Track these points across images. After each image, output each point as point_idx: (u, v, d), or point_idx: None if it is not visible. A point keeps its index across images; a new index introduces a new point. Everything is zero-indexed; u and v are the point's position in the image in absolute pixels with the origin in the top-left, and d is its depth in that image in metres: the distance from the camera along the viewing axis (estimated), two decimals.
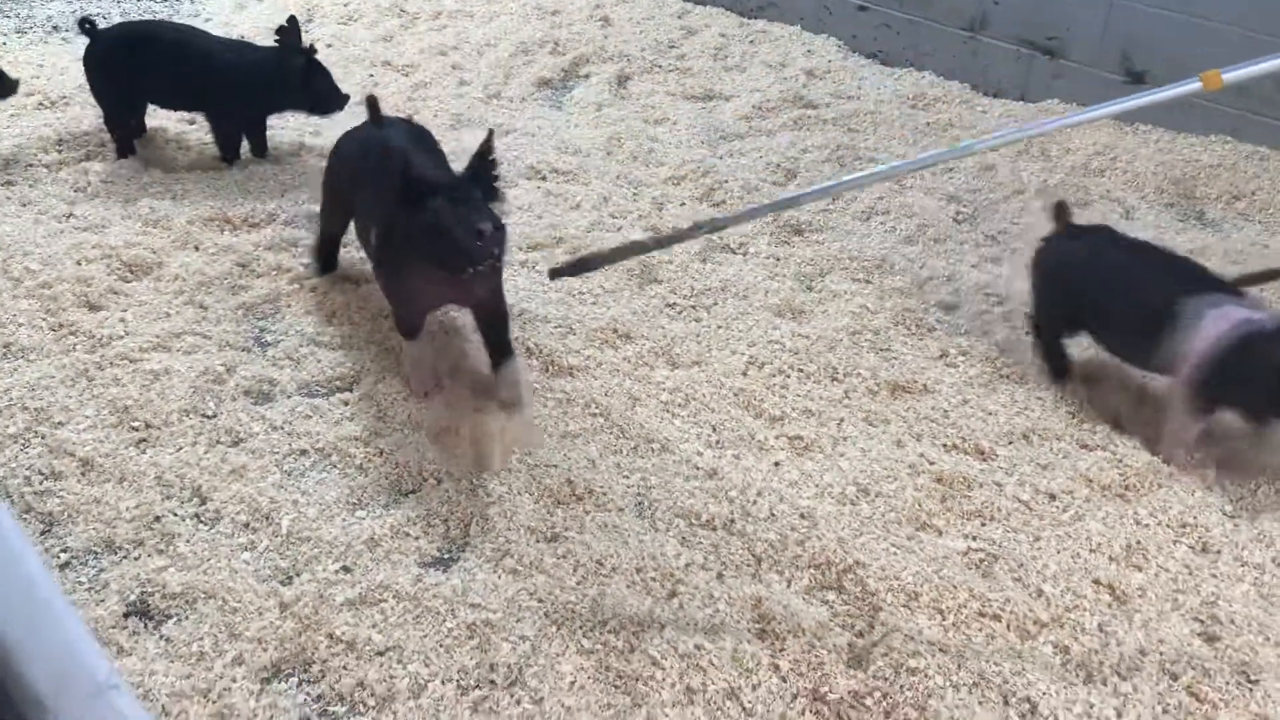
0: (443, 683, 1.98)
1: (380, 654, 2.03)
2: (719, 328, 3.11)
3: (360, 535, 2.30)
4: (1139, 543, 2.38)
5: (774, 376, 2.91)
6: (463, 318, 2.99)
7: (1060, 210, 2.94)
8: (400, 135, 2.93)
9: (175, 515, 2.34)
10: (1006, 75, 4.71)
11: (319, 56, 3.73)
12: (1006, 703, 1.99)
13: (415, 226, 2.43)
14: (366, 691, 1.96)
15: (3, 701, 0.82)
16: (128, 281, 3.14)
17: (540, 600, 2.16)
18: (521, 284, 3.22)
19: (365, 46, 5.00)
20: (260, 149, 3.92)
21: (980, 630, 2.14)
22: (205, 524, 2.33)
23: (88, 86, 3.84)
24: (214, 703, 1.92)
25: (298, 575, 2.21)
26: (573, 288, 3.22)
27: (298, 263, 3.27)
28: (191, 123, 4.09)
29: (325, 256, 3.22)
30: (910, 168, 2.88)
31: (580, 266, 2.60)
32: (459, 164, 3.02)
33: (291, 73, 3.67)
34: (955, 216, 3.77)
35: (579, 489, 2.45)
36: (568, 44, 5.06)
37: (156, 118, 4.03)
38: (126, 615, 2.10)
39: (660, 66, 4.91)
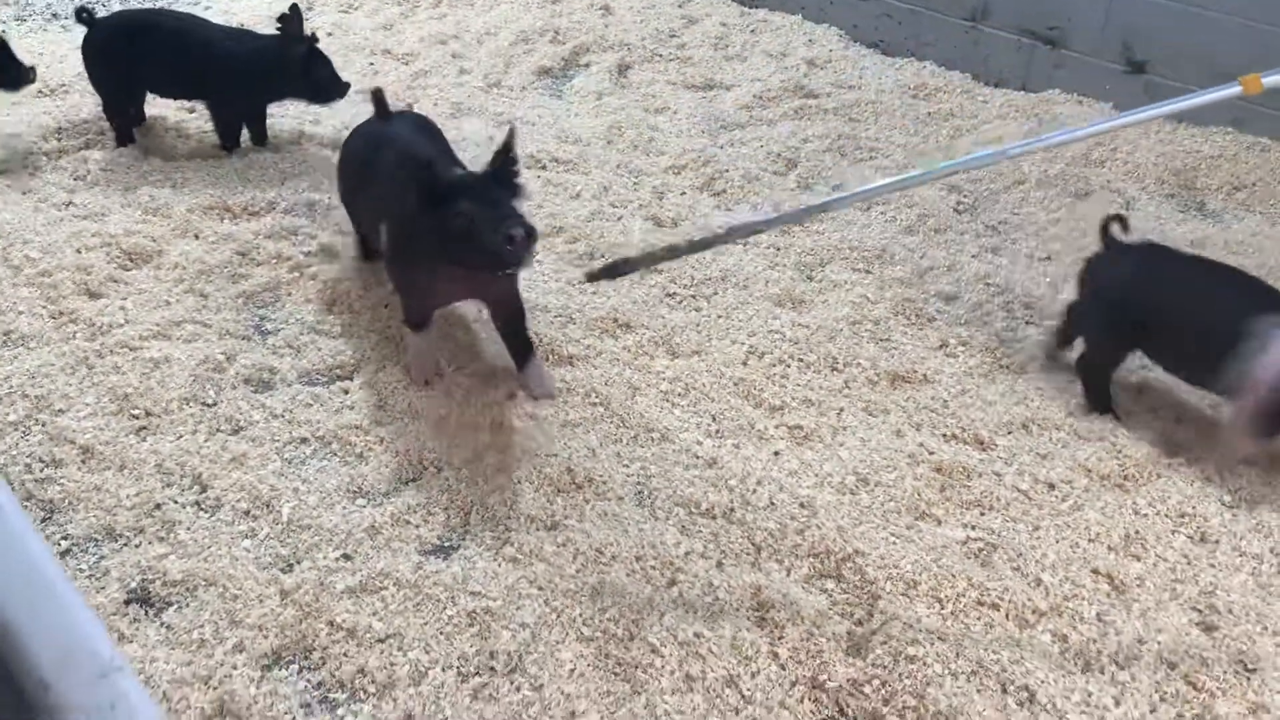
0: (443, 670, 1.98)
1: (381, 641, 2.04)
2: (719, 317, 3.11)
3: (361, 523, 2.31)
4: (1137, 532, 2.38)
5: (774, 366, 2.91)
6: (463, 308, 2.99)
7: (1117, 222, 2.79)
8: (409, 129, 2.92)
9: (176, 503, 2.34)
10: (1008, 65, 4.70)
11: (319, 45, 3.72)
12: (1004, 691, 2.00)
13: (443, 226, 2.38)
14: (367, 678, 1.97)
15: (6, 682, 0.83)
16: (127, 269, 3.14)
17: (540, 588, 2.17)
18: (521, 273, 3.22)
19: (365, 35, 4.99)
20: (260, 137, 3.92)
21: (979, 619, 2.15)
22: (206, 511, 2.33)
23: (86, 75, 3.84)
24: (215, 690, 1.92)
25: (298, 563, 2.21)
26: (572, 277, 3.22)
27: (298, 251, 3.27)
28: (191, 111, 4.08)
29: (370, 253, 3.17)
30: (962, 165, 2.77)
31: (615, 270, 2.59)
32: (461, 154, 3.03)
33: (292, 61, 3.65)
34: (956, 207, 3.77)
35: (579, 478, 2.46)
36: (568, 33, 5.04)
37: (156, 106, 4.02)
38: (127, 602, 2.10)
39: (661, 55, 4.90)
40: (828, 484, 2.50)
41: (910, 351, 3.00)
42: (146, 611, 2.09)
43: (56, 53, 4.52)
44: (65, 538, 2.24)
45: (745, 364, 2.91)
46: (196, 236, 3.32)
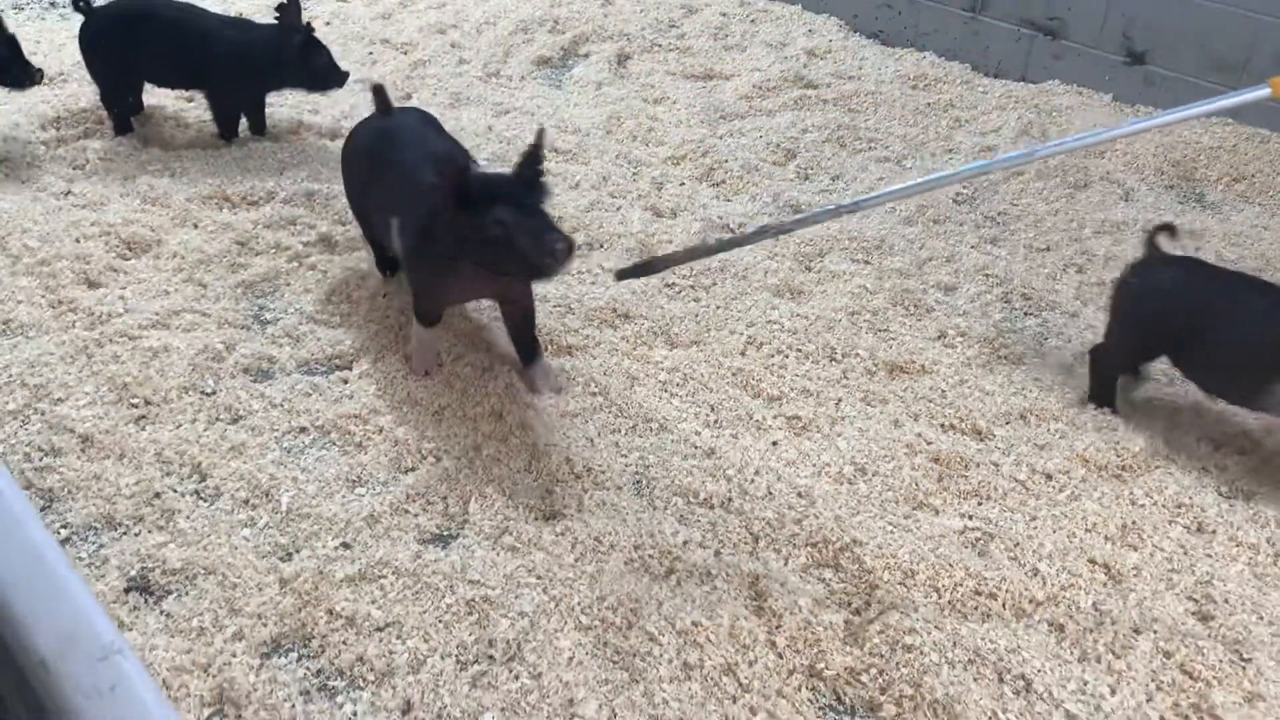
0: (442, 658, 1.99)
1: (380, 629, 2.04)
2: (718, 308, 3.11)
3: (360, 512, 2.31)
4: (1134, 522, 2.39)
5: (772, 356, 2.91)
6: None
7: (1166, 231, 2.73)
8: (417, 123, 2.91)
9: (175, 492, 2.35)
10: (1007, 55, 4.70)
11: (318, 34, 3.71)
12: (1001, 680, 2.01)
13: (478, 231, 2.35)
14: (366, 666, 1.98)
15: (7, 664, 0.83)
16: (126, 259, 3.14)
17: (539, 577, 2.17)
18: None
19: (364, 24, 4.98)
20: (259, 127, 3.91)
21: (976, 608, 2.16)
22: (205, 500, 2.34)
23: (84, 64, 3.83)
24: (214, 677, 1.93)
25: (297, 551, 2.22)
26: (570, 268, 3.21)
27: (297, 240, 3.27)
28: (190, 100, 4.08)
29: (384, 260, 3.13)
30: (996, 166, 2.74)
31: (645, 269, 2.58)
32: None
33: (290, 50, 3.64)
34: (955, 198, 3.77)
35: (577, 467, 2.46)
36: (567, 22, 5.03)
37: (155, 95, 4.02)
38: (127, 591, 2.11)
39: (660, 45, 4.89)
40: (826, 474, 2.50)
41: (908, 342, 3.00)
42: (146, 600, 2.10)
43: (54, 41, 4.52)
44: (65, 526, 2.25)
45: (744, 354, 2.92)
46: (195, 226, 3.32)
